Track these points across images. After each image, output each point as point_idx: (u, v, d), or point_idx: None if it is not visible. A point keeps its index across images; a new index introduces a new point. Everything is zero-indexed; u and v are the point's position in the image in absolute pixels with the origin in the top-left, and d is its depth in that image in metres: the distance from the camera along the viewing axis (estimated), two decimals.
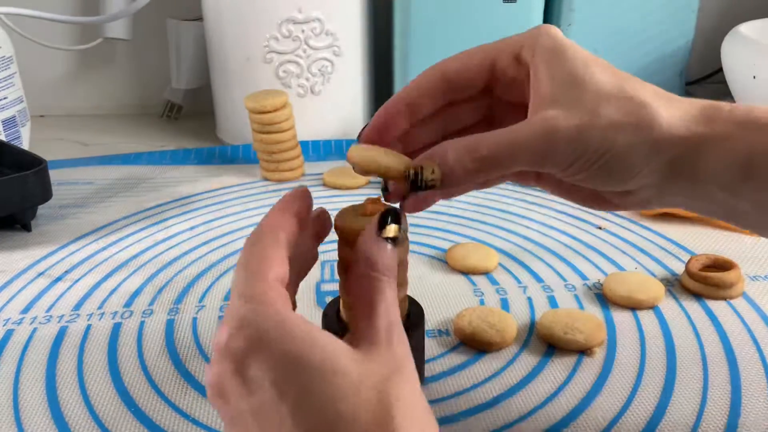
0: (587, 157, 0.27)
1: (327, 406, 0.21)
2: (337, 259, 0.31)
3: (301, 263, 0.28)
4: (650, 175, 0.27)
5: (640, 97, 0.27)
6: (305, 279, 0.29)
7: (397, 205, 0.29)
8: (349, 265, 0.29)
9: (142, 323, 0.41)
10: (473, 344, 0.38)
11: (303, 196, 0.28)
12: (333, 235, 0.30)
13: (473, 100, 0.31)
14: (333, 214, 0.30)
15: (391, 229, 0.26)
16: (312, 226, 0.29)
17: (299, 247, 0.27)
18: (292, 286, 0.28)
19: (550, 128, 0.26)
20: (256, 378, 0.21)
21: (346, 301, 0.32)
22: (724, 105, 0.27)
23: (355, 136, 0.73)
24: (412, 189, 0.27)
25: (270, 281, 0.24)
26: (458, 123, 0.32)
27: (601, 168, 0.27)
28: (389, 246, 0.26)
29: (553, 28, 0.29)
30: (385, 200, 0.30)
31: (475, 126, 0.32)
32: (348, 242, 0.29)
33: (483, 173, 0.27)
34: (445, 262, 0.47)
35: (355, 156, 0.29)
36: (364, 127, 0.31)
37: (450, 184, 0.27)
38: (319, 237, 0.29)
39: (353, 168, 0.30)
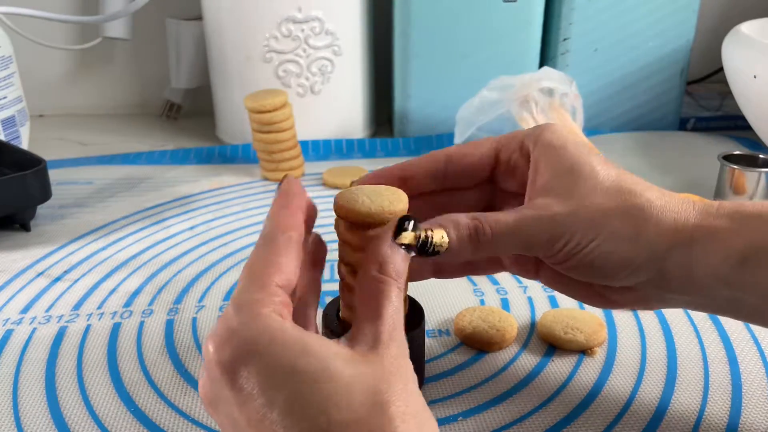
0: (575, 243, 0.28)
1: (318, 413, 0.20)
2: (338, 259, 0.31)
3: (308, 293, 0.29)
4: (641, 269, 0.28)
5: (631, 187, 0.28)
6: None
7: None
8: (350, 245, 0.29)
9: (141, 323, 0.41)
10: (474, 344, 0.38)
11: (299, 189, 0.28)
12: (333, 236, 0.30)
13: (475, 187, 0.33)
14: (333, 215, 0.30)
15: (407, 237, 0.27)
16: (308, 254, 0.29)
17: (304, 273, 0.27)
18: (313, 295, 0.28)
19: (542, 214, 0.28)
20: (246, 387, 0.21)
21: (346, 301, 0.32)
22: (713, 202, 0.28)
23: (354, 136, 0.73)
24: (419, 253, 0.28)
25: (271, 288, 0.24)
26: (458, 207, 0.33)
27: (589, 256, 0.28)
28: (403, 252, 0.26)
29: (556, 127, 0.31)
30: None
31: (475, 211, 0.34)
32: (352, 226, 0.29)
33: (482, 250, 0.28)
34: None
35: (343, 200, 0.29)
36: (352, 183, 0.32)
37: (452, 254, 0.28)
38: (317, 264, 0.30)
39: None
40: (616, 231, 0.27)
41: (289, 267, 0.25)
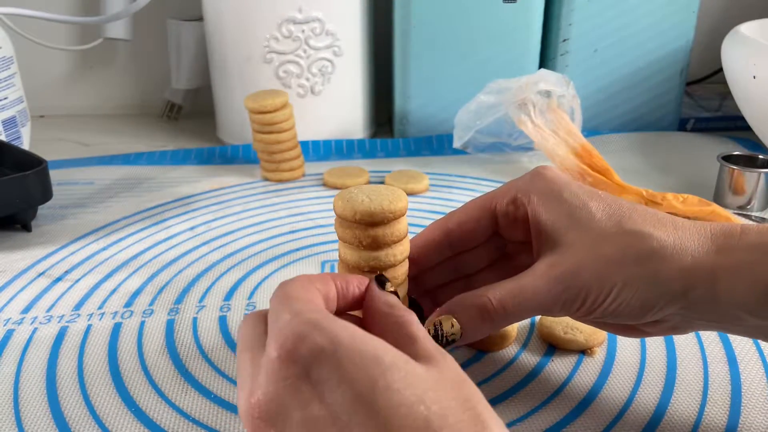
0: (594, 298, 0.27)
1: (415, 404, 0.20)
2: (337, 260, 0.31)
3: None
4: (666, 307, 0.27)
5: (638, 229, 0.27)
6: None
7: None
8: (350, 245, 0.29)
9: (142, 323, 0.41)
10: (474, 344, 0.38)
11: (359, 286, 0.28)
12: (333, 236, 0.30)
13: (482, 245, 0.33)
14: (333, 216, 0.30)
15: (389, 287, 0.27)
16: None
17: None
18: None
19: (551, 276, 0.27)
20: (332, 381, 0.20)
21: None
22: (735, 229, 0.27)
23: (355, 136, 0.73)
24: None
25: (318, 304, 0.23)
26: (470, 267, 0.33)
27: (611, 306, 0.27)
28: (391, 295, 0.26)
29: (548, 171, 0.30)
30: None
31: (490, 267, 0.34)
32: (352, 225, 0.29)
33: (498, 326, 0.28)
34: None
35: (343, 200, 0.29)
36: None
37: (468, 337, 0.28)
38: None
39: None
40: (632, 278, 0.26)
41: (322, 292, 0.25)
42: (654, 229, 0.27)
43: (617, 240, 0.27)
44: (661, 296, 0.26)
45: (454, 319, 0.28)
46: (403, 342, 0.23)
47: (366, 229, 0.29)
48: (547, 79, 0.59)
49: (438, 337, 0.28)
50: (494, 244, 0.33)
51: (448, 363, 0.22)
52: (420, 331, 0.24)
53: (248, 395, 0.22)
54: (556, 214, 0.28)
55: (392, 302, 0.25)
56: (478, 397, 0.21)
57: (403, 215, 0.30)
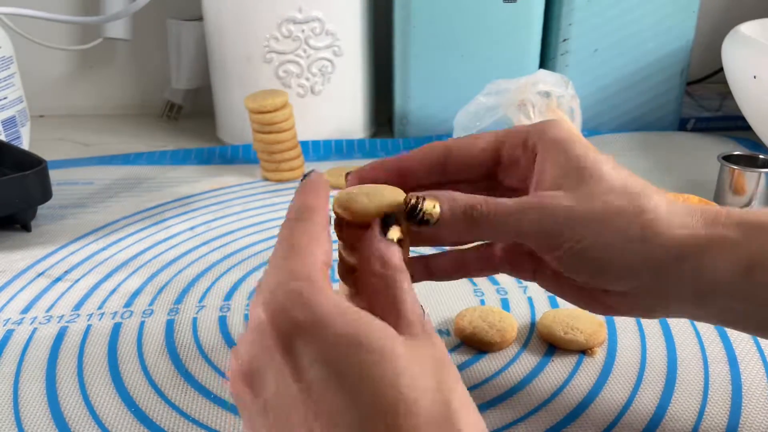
0: (580, 237, 0.27)
1: (387, 387, 0.20)
2: (338, 260, 0.31)
3: None
4: (645, 274, 0.27)
5: (639, 190, 0.27)
6: None
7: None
8: (350, 245, 0.29)
9: (142, 323, 0.41)
10: (473, 344, 0.38)
11: (326, 182, 0.27)
12: (333, 236, 0.30)
13: (475, 182, 0.32)
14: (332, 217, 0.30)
15: (395, 231, 0.26)
16: None
17: None
18: None
19: (545, 204, 0.27)
20: (309, 357, 0.20)
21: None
22: (721, 210, 0.27)
23: (355, 136, 0.73)
24: (407, 218, 0.27)
25: (317, 263, 0.23)
26: None
27: (590, 255, 0.27)
28: (396, 246, 0.26)
29: (561, 122, 0.30)
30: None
31: None
32: (351, 226, 0.29)
33: (477, 229, 0.28)
34: None
35: (342, 200, 0.29)
36: (348, 173, 0.31)
37: (443, 228, 0.28)
38: None
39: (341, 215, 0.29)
40: (622, 230, 0.26)
41: (328, 244, 0.24)
42: (653, 192, 0.27)
43: (619, 194, 0.27)
44: (644, 258, 0.26)
45: (437, 203, 0.27)
46: (389, 309, 0.23)
47: (366, 229, 0.29)
48: (546, 79, 0.59)
49: (415, 210, 0.27)
50: (484, 186, 0.32)
51: (428, 338, 0.22)
52: (407, 300, 0.24)
53: (240, 347, 0.22)
54: (564, 160, 0.28)
55: (386, 258, 0.25)
56: (452, 380, 0.21)
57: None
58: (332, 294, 0.22)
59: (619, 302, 0.29)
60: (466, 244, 0.34)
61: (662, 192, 0.28)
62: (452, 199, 0.28)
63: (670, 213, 0.27)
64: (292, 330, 0.21)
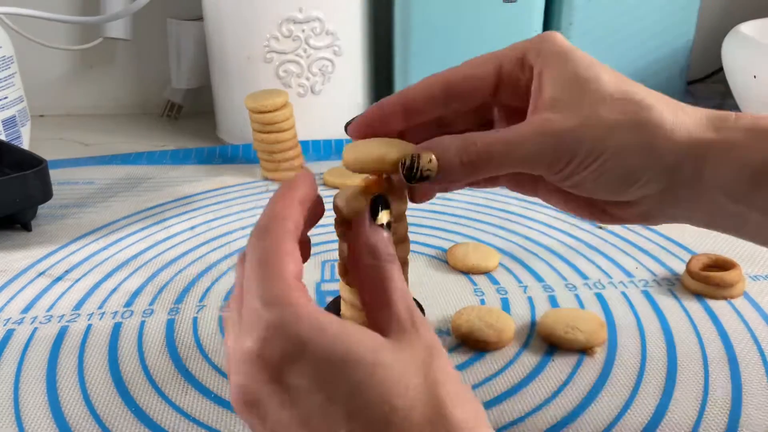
0: (580, 160, 0.26)
1: (381, 401, 0.20)
2: (338, 259, 0.31)
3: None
4: (650, 183, 0.26)
5: (641, 98, 0.26)
6: (304, 278, 0.29)
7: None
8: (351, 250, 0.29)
9: (142, 323, 0.41)
10: (471, 343, 0.38)
11: (307, 181, 0.26)
12: (333, 236, 0.30)
13: (476, 109, 0.31)
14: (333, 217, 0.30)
15: (384, 216, 0.26)
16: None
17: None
18: None
19: (545, 129, 0.26)
20: (300, 385, 0.21)
21: (347, 300, 0.32)
22: (730, 114, 0.26)
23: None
24: (406, 177, 0.27)
25: (289, 280, 0.23)
26: (456, 127, 0.32)
27: (596, 172, 0.26)
28: (385, 232, 0.25)
29: (558, 35, 0.29)
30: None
31: (473, 130, 0.32)
32: (351, 225, 0.29)
33: (478, 170, 0.27)
34: (445, 261, 0.47)
35: (349, 155, 0.28)
36: (352, 120, 0.30)
37: (444, 178, 0.27)
38: (311, 224, 0.28)
39: (347, 167, 0.29)
40: (625, 144, 0.26)
41: (296, 254, 0.24)
42: (656, 102, 0.26)
43: (618, 105, 0.26)
44: (648, 168, 0.26)
45: (433, 156, 0.27)
46: (379, 303, 0.24)
47: None
48: None
49: (413, 169, 0.27)
50: (485, 109, 0.31)
51: (416, 331, 0.22)
52: (397, 293, 0.24)
53: (235, 379, 0.22)
54: (562, 74, 0.27)
55: (375, 247, 0.25)
56: (442, 373, 0.21)
57: (401, 214, 0.30)
58: (309, 312, 0.21)
59: (624, 212, 0.29)
60: (473, 185, 0.33)
61: (665, 98, 0.27)
62: (446, 146, 0.27)
63: (675, 119, 0.26)
64: (280, 361, 0.21)
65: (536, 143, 0.26)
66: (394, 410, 0.20)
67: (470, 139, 0.27)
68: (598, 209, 0.30)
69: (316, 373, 0.20)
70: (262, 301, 0.22)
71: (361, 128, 0.30)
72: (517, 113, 0.30)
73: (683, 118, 0.26)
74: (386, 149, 0.28)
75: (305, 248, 0.28)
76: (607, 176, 0.26)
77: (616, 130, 0.26)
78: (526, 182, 0.32)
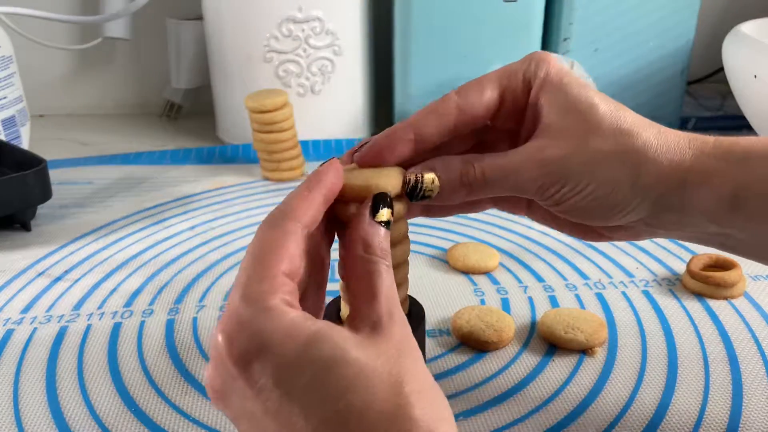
0: (571, 187, 0.27)
1: (336, 398, 0.20)
2: (338, 258, 0.31)
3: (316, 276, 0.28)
4: (637, 210, 0.28)
5: (630, 128, 0.27)
6: None
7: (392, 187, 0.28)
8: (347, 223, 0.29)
9: (142, 323, 0.41)
10: (471, 343, 0.37)
11: (330, 179, 0.26)
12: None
13: (476, 131, 0.32)
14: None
15: (384, 213, 0.26)
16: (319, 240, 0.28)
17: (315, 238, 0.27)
18: (313, 279, 0.27)
19: (538, 157, 0.27)
20: (261, 380, 0.21)
21: (347, 300, 0.32)
22: (709, 138, 0.27)
23: (354, 136, 0.73)
24: (409, 196, 0.28)
25: (278, 277, 0.23)
26: (453, 148, 0.32)
27: (585, 200, 0.27)
28: (383, 229, 0.26)
29: (553, 58, 0.30)
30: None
31: (467, 153, 0.32)
32: (350, 201, 0.29)
33: (474, 192, 0.28)
34: (445, 261, 0.47)
35: (349, 184, 0.28)
36: (359, 147, 0.30)
37: (443, 197, 0.28)
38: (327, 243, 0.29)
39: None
40: (612, 176, 0.27)
41: (294, 255, 0.24)
42: (643, 129, 0.27)
43: (610, 136, 0.27)
44: (635, 198, 0.27)
45: (436, 176, 0.28)
46: (362, 296, 0.24)
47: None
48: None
49: (416, 188, 0.28)
50: (480, 131, 0.32)
51: (393, 330, 0.23)
52: (381, 289, 0.24)
53: (209, 368, 0.23)
54: (558, 102, 0.28)
55: (369, 241, 0.25)
56: (408, 371, 0.22)
57: (401, 214, 0.30)
58: (284, 311, 0.22)
59: (613, 233, 0.30)
60: (462, 211, 0.34)
61: (654, 125, 0.28)
62: (448, 168, 0.28)
63: (659, 148, 0.27)
64: (246, 356, 0.22)
65: (529, 170, 0.28)
66: (349, 406, 0.20)
67: (470, 162, 0.28)
68: (588, 230, 0.31)
69: (276, 369, 0.21)
70: (242, 296, 0.23)
71: (369, 157, 0.29)
72: (510, 134, 0.31)
73: (665, 144, 0.27)
74: (379, 177, 0.28)
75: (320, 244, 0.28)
76: (596, 203, 0.28)
77: (605, 161, 0.27)
78: (518, 204, 0.33)
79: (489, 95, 0.30)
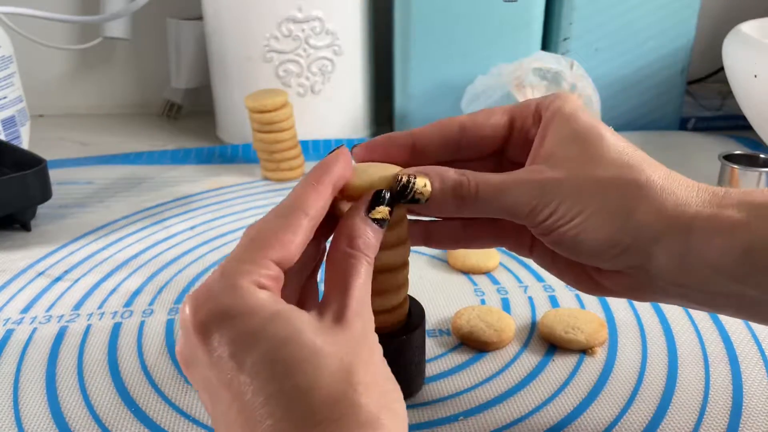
0: (561, 213, 0.26)
1: (284, 376, 0.21)
2: None
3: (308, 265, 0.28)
4: (632, 251, 0.26)
5: (635, 162, 0.26)
6: None
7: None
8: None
9: (142, 323, 0.41)
10: (471, 343, 0.37)
11: (340, 167, 0.27)
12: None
13: (484, 158, 0.31)
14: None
15: (380, 211, 0.26)
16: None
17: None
18: (307, 270, 0.28)
19: (532, 177, 0.27)
20: (218, 349, 0.22)
21: None
22: (720, 189, 0.26)
23: (355, 136, 0.73)
24: (397, 195, 0.27)
25: (262, 261, 0.23)
26: None
27: (576, 229, 0.26)
28: (375, 226, 0.26)
29: (572, 96, 0.29)
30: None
31: None
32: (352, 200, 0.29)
33: (465, 206, 0.28)
34: (446, 261, 0.47)
35: (351, 182, 0.28)
36: (355, 146, 0.31)
37: (432, 206, 0.28)
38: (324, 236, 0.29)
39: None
40: (606, 206, 0.26)
41: (291, 246, 0.24)
42: (649, 167, 0.26)
43: (611, 167, 0.26)
44: (629, 234, 0.26)
45: (428, 181, 0.28)
46: (335, 289, 0.24)
47: None
48: (544, 59, 0.59)
49: (406, 188, 0.27)
50: (492, 162, 0.32)
51: (355, 323, 0.23)
52: (355, 288, 0.24)
53: (179, 335, 0.24)
54: (565, 130, 0.28)
55: (354, 237, 0.25)
56: (362, 362, 0.22)
57: (402, 217, 0.30)
58: (251, 290, 0.22)
59: (613, 283, 0.28)
60: (467, 239, 0.33)
61: (662, 167, 0.27)
62: (442, 177, 0.28)
63: (663, 188, 0.26)
64: (207, 325, 0.22)
65: (522, 190, 0.27)
66: (296, 386, 0.21)
67: (465, 174, 0.28)
68: (589, 279, 0.29)
69: (232, 341, 0.22)
70: (221, 272, 0.23)
71: (365, 152, 0.30)
72: (518, 168, 0.30)
73: (672, 187, 0.26)
74: (382, 178, 0.28)
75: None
76: (588, 235, 0.26)
77: (599, 189, 0.26)
78: (517, 240, 0.32)
79: (497, 118, 0.30)
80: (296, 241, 0.24)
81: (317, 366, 0.21)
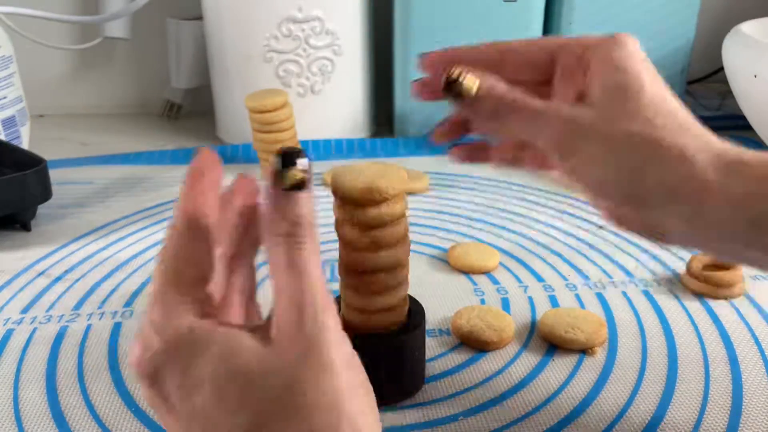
0: (587, 155, 0.26)
1: (238, 408, 0.20)
2: (338, 259, 0.31)
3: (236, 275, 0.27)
4: (646, 212, 0.26)
5: (666, 121, 0.26)
6: None
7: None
8: (349, 245, 0.29)
9: None
10: (471, 343, 0.37)
11: (209, 165, 0.26)
12: (334, 235, 0.30)
13: (530, 84, 0.31)
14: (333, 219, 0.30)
15: (291, 175, 0.22)
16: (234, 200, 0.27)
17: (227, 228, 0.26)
18: (245, 271, 0.27)
19: (567, 113, 0.27)
20: (166, 389, 0.22)
21: (347, 301, 0.32)
22: (738, 156, 0.26)
23: (354, 136, 0.73)
24: (445, 85, 0.28)
25: (184, 286, 0.23)
26: None
27: (597, 174, 0.27)
28: (295, 196, 0.22)
29: (630, 40, 0.29)
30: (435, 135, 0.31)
31: None
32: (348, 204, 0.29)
33: (500, 118, 0.28)
34: (446, 261, 0.47)
35: (349, 185, 0.28)
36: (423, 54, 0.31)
37: (473, 105, 0.28)
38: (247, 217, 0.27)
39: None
40: (622, 162, 0.26)
41: (201, 258, 0.24)
42: (677, 131, 0.27)
43: (642, 123, 0.26)
44: (641, 194, 0.26)
45: (479, 78, 0.28)
46: (276, 284, 0.22)
47: (365, 230, 0.29)
48: None
49: (456, 81, 0.27)
50: (539, 92, 0.31)
51: (300, 332, 0.21)
52: (293, 274, 0.22)
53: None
54: (607, 79, 0.28)
55: (278, 220, 0.22)
56: (309, 381, 0.20)
57: (401, 214, 0.30)
58: (185, 321, 0.22)
59: (628, 218, 0.28)
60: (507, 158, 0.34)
61: (693, 127, 0.27)
62: (491, 81, 0.28)
63: (684, 153, 0.26)
64: (154, 367, 0.22)
65: (554, 120, 0.27)
66: (257, 413, 0.20)
67: (514, 89, 0.28)
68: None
69: (179, 380, 0.22)
70: (152, 306, 0.24)
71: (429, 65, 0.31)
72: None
73: (694, 148, 0.26)
74: (381, 178, 0.29)
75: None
76: (602, 187, 0.27)
77: (622, 145, 0.26)
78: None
79: (536, 48, 0.30)
80: (201, 250, 0.24)
81: (257, 391, 0.20)
